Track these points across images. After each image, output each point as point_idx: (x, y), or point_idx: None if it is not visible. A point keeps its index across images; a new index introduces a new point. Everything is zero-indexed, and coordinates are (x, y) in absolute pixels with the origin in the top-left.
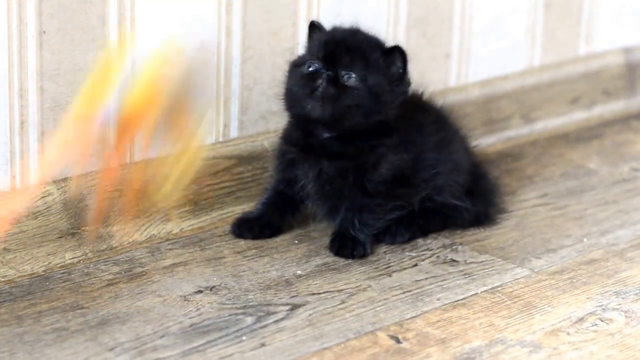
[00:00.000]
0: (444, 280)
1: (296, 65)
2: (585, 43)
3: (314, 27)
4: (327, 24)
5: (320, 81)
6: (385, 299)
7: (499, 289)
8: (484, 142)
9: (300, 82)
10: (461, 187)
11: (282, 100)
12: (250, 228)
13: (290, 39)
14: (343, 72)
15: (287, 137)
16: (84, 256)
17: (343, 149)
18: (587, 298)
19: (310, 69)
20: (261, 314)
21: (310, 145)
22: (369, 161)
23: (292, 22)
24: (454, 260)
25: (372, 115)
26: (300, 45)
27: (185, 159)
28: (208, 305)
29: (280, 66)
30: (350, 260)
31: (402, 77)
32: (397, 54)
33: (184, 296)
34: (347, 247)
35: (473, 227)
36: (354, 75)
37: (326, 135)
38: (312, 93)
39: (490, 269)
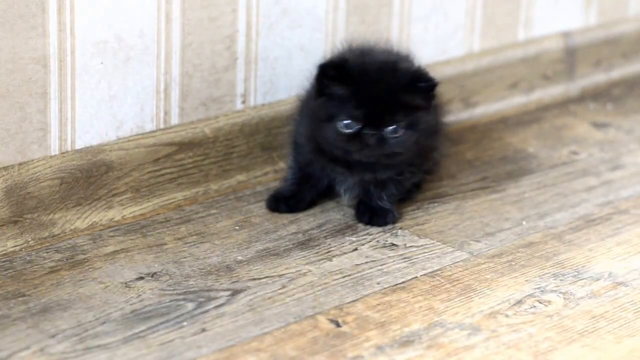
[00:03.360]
0: (384, 264)
1: (329, 119)
2: (525, 28)
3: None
4: (267, 11)
5: (368, 141)
6: (326, 284)
7: (438, 272)
8: None
9: (343, 141)
10: None
11: (307, 140)
12: (287, 203)
13: (229, 25)
14: (389, 128)
15: (317, 151)
16: (25, 244)
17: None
18: (526, 280)
19: (352, 130)
20: (202, 299)
21: (350, 163)
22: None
23: (231, 8)
24: (394, 244)
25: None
26: (240, 32)
27: None
28: (149, 291)
29: (220, 53)
30: (290, 246)
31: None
32: (433, 89)
33: (126, 283)
34: (380, 216)
35: None
36: (399, 128)
37: None
38: (360, 150)
39: (430, 252)
